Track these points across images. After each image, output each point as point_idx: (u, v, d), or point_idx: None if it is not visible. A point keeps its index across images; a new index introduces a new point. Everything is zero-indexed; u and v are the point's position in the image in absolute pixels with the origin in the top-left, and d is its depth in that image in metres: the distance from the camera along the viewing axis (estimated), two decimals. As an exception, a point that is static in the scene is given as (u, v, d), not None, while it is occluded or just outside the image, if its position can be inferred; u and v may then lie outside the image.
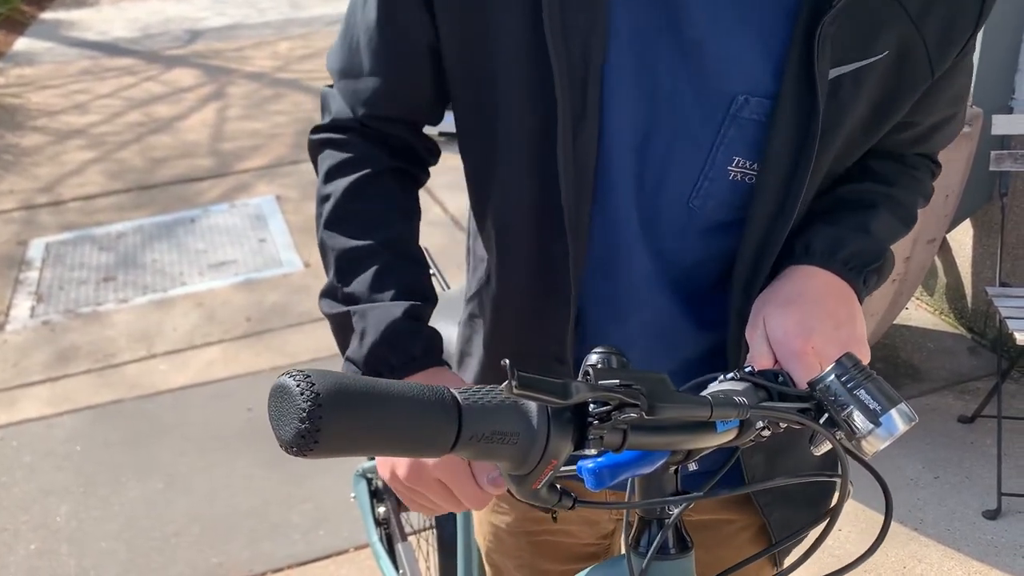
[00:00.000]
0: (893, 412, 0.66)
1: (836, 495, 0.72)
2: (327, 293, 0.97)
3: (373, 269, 0.92)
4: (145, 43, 8.22)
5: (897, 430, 0.66)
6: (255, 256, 4.20)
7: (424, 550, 1.95)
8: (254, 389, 3.16)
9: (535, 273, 0.94)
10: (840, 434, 0.68)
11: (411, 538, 1.81)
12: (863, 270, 0.88)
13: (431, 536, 2.02)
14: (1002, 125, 2.43)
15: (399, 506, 1.85)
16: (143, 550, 2.42)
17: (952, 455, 2.53)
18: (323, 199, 0.98)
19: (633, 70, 0.84)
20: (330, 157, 0.99)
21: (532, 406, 0.62)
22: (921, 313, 3.28)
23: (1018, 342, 2.16)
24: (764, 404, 0.67)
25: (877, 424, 0.66)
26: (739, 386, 0.71)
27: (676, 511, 0.77)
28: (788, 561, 1.12)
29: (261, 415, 3.00)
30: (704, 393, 0.69)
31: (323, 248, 0.97)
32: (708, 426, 0.68)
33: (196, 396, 3.15)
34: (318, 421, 0.54)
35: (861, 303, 0.87)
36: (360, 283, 0.92)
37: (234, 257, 4.20)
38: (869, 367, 0.68)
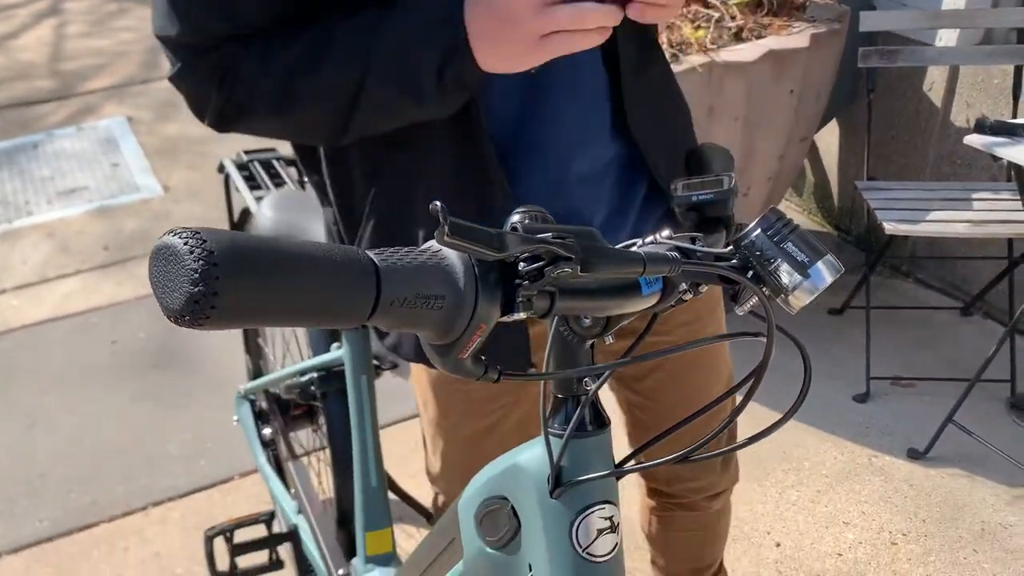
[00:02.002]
0: (820, 264, 0.64)
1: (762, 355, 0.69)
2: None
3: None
4: (-36, -46, 7.42)
5: (824, 282, 0.64)
6: (109, 182, 3.91)
7: (317, 469, 1.88)
8: (118, 320, 2.96)
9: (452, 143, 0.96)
10: (767, 290, 0.65)
11: (303, 458, 1.75)
12: None
13: (324, 456, 1.96)
14: (869, 21, 2.48)
15: (287, 426, 1.78)
16: (6, 496, 2.26)
17: (823, 346, 2.64)
18: (259, 95, 0.90)
19: None
20: (227, 78, 0.90)
21: (457, 266, 0.56)
22: (791, 213, 3.38)
23: (886, 231, 2.24)
24: (692, 261, 0.63)
25: (805, 276, 0.64)
26: (660, 249, 0.67)
27: (593, 386, 0.73)
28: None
29: (127, 346, 2.83)
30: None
31: (310, 102, 0.90)
32: (633, 289, 0.64)
33: (55, 331, 2.93)
34: (214, 283, 0.47)
35: None
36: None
37: (85, 183, 3.90)
38: (792, 221, 0.66)
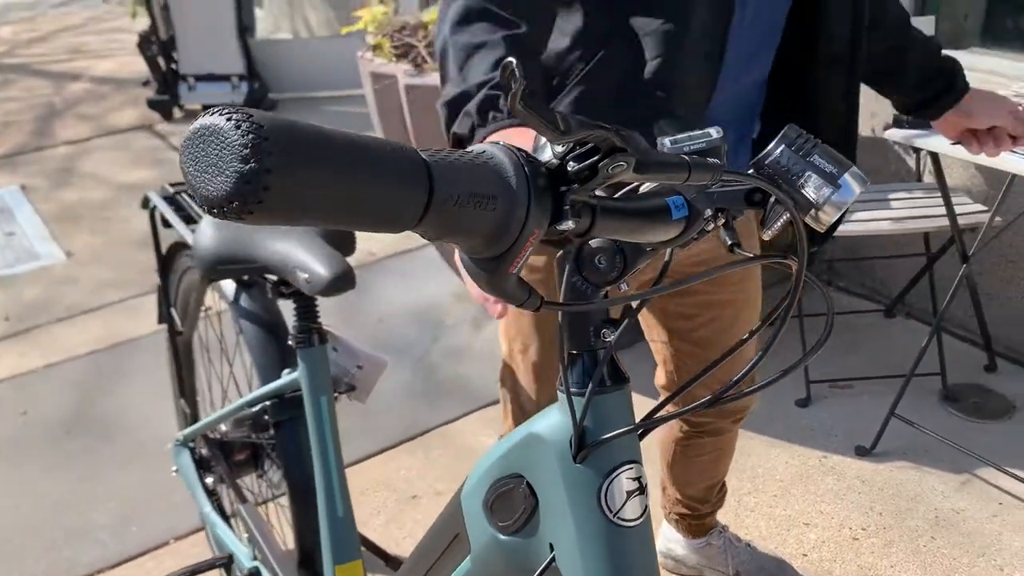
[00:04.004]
0: (848, 175, 0.62)
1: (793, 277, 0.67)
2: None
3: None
4: None
5: (853, 194, 0.62)
6: (4, 251, 3.70)
7: (269, 512, 1.77)
8: (25, 391, 2.77)
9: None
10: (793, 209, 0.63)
11: (260, 508, 1.63)
12: None
13: (272, 505, 1.85)
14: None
15: (231, 472, 1.66)
16: (-90, 585, 2.04)
17: (760, 356, 2.67)
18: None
19: None
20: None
21: (507, 166, 0.52)
22: (710, 235, 3.44)
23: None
24: (730, 169, 0.61)
25: (836, 187, 0.62)
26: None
27: (613, 336, 0.69)
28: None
29: (38, 417, 2.63)
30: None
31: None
32: (663, 213, 0.61)
33: (-46, 408, 2.71)
34: (267, 159, 0.41)
35: None
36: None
37: (-22, 255, 3.68)
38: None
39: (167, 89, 5.13)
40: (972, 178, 2.56)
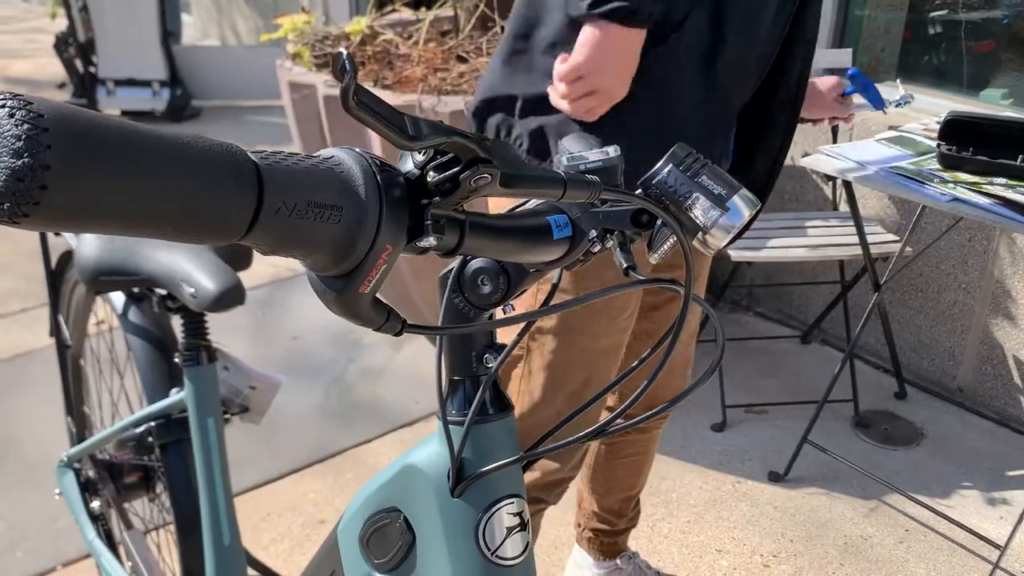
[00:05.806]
0: (737, 198, 0.59)
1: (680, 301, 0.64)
2: None
3: None
4: None
5: (741, 217, 0.60)
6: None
7: (158, 545, 1.67)
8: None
9: None
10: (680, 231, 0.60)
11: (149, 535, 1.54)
12: None
13: (165, 532, 1.75)
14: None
15: (120, 495, 1.57)
16: None
17: (678, 380, 2.67)
18: None
19: None
20: None
21: (355, 174, 0.47)
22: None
23: (732, 259, 2.30)
24: (610, 187, 0.57)
25: (724, 209, 0.59)
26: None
27: (496, 362, 0.65)
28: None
29: (-78, 433, 2.47)
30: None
31: None
32: (544, 233, 0.57)
33: None
34: (44, 153, 0.35)
35: None
36: None
37: None
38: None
39: (84, 93, 4.95)
40: (885, 208, 2.61)
